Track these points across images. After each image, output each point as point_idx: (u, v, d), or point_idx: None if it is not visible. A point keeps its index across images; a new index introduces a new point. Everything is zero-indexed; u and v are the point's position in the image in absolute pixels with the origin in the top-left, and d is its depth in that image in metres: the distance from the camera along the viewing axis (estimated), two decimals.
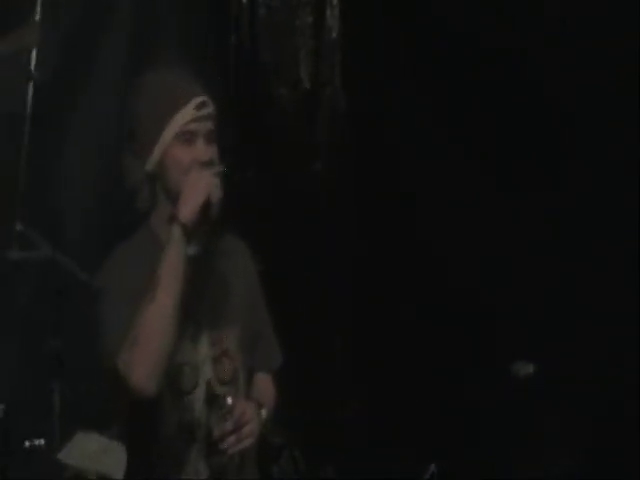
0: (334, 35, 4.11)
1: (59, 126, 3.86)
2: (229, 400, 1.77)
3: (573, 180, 3.34)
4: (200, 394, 1.81)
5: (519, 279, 3.40)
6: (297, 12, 4.13)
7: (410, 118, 3.76)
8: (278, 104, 4.15)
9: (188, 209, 1.71)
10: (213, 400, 1.80)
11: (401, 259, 3.69)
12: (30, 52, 3.54)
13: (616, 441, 3.09)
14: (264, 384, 1.98)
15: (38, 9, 3.54)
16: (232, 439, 1.74)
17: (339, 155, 4.05)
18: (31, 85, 3.53)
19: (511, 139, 3.49)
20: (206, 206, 1.72)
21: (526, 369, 2.99)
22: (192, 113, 1.77)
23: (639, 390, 3.06)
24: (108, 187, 3.55)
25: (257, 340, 1.95)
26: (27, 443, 2.97)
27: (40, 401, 3.08)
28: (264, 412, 1.84)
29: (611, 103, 3.24)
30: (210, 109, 1.81)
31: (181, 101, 1.78)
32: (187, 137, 1.78)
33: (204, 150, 1.79)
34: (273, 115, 4.14)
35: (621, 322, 3.14)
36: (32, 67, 3.55)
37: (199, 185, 1.73)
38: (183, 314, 1.70)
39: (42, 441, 2.98)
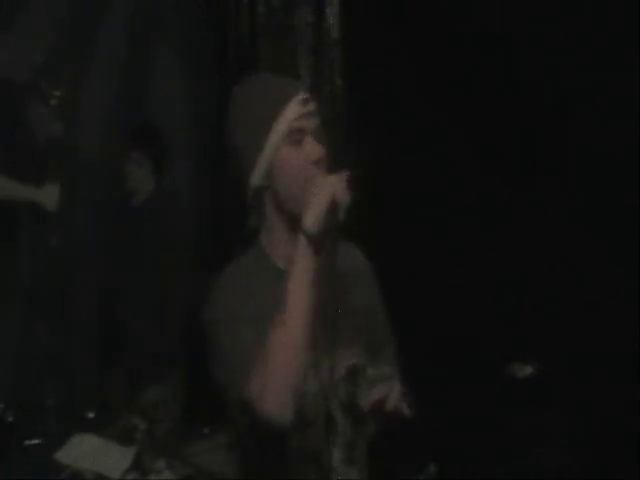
0: (334, 34, 4.09)
1: None
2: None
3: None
4: (323, 423, 1.69)
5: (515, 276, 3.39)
6: (296, 10, 4.11)
7: (411, 115, 3.73)
8: None
9: (312, 215, 1.55)
10: (334, 429, 1.69)
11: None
12: None
13: (616, 440, 3.07)
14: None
15: None
16: None
17: (339, 154, 4.03)
18: None
19: (512, 137, 3.46)
20: (332, 211, 1.55)
21: (524, 370, 2.96)
22: (298, 110, 1.64)
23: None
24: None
25: (379, 353, 1.81)
26: (25, 443, 2.95)
27: (38, 401, 3.07)
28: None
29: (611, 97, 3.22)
30: (314, 105, 1.68)
31: (285, 99, 1.65)
32: (295, 137, 1.64)
33: (314, 148, 1.65)
34: None
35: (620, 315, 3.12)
36: None
37: (322, 188, 1.56)
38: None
39: (39, 441, 2.96)
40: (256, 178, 1.65)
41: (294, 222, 1.61)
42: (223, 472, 3.01)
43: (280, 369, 1.51)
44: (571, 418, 3.07)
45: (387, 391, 1.63)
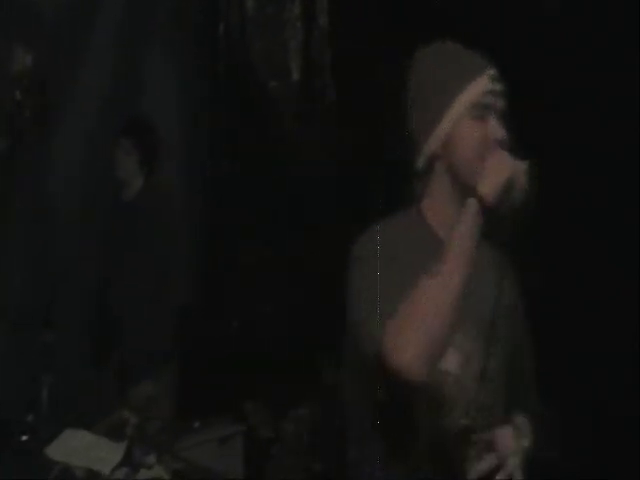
0: (323, 26, 4.08)
1: None
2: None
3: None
4: (458, 415, 1.61)
5: None
6: (286, 3, 4.11)
7: (400, 106, 3.70)
8: (269, 96, 4.13)
9: (489, 184, 1.52)
10: (467, 428, 1.61)
11: None
12: None
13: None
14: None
15: None
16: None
17: (329, 144, 4.03)
18: None
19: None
20: (508, 188, 1.53)
21: None
22: (487, 85, 1.63)
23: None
24: None
25: (515, 368, 1.73)
26: (16, 439, 2.94)
27: (29, 397, 3.06)
28: (525, 441, 1.62)
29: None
30: (502, 85, 1.65)
31: (474, 71, 1.64)
32: (479, 112, 1.63)
33: (498, 128, 1.62)
34: (264, 107, 4.11)
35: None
36: None
37: (505, 164, 1.55)
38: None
39: (29, 437, 2.95)
40: (433, 144, 1.65)
41: (464, 195, 1.58)
42: (213, 467, 3.04)
43: (424, 321, 1.43)
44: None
45: (497, 463, 1.55)
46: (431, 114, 1.64)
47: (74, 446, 2.87)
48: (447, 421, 1.60)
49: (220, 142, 4.33)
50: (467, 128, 1.62)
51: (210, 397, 3.43)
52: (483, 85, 1.61)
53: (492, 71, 1.64)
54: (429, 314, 1.43)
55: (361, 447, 1.69)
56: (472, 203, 1.51)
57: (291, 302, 4.07)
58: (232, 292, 4.09)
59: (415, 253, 1.57)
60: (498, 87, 1.64)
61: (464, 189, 1.60)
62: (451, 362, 1.58)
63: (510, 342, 1.71)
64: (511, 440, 1.59)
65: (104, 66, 4.09)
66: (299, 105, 4.17)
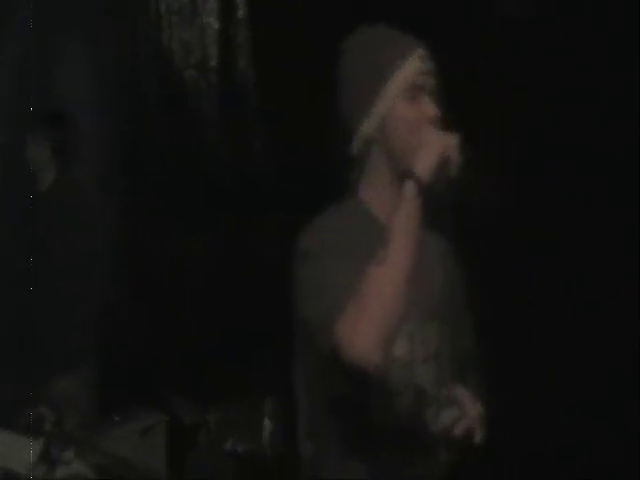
0: (241, 14, 4.07)
1: None
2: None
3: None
4: (409, 397, 1.65)
5: None
6: None
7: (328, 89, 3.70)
8: (186, 85, 4.11)
9: (424, 164, 1.54)
10: (419, 407, 1.64)
11: None
12: None
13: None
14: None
15: None
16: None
17: (249, 134, 4.03)
18: None
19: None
20: (443, 165, 1.55)
21: None
22: (418, 65, 1.65)
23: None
24: None
25: (459, 347, 1.77)
26: None
27: None
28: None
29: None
30: (433, 65, 1.68)
31: (405, 52, 1.65)
32: (413, 92, 1.64)
33: (431, 107, 1.64)
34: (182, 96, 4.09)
35: None
36: None
37: (437, 141, 1.57)
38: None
39: None
40: (368, 127, 1.64)
41: (401, 176, 1.59)
42: (135, 458, 3.03)
43: (377, 308, 1.45)
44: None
45: (459, 414, 1.59)
46: (364, 97, 1.64)
47: None
48: (400, 405, 1.63)
49: (140, 130, 4.28)
50: (401, 109, 1.63)
51: (130, 390, 3.43)
52: (415, 66, 1.63)
53: (423, 51, 1.65)
54: (380, 302, 1.45)
55: (316, 440, 1.70)
56: (410, 186, 1.52)
57: (217, 293, 4.06)
58: (155, 284, 4.07)
59: (359, 241, 1.58)
60: (429, 67, 1.66)
61: (401, 171, 1.60)
62: (401, 347, 1.62)
63: (454, 323, 1.75)
64: (468, 396, 1.65)
65: (16, 54, 4.02)
66: (219, 90, 4.16)
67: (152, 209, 4.14)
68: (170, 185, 4.09)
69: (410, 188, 1.52)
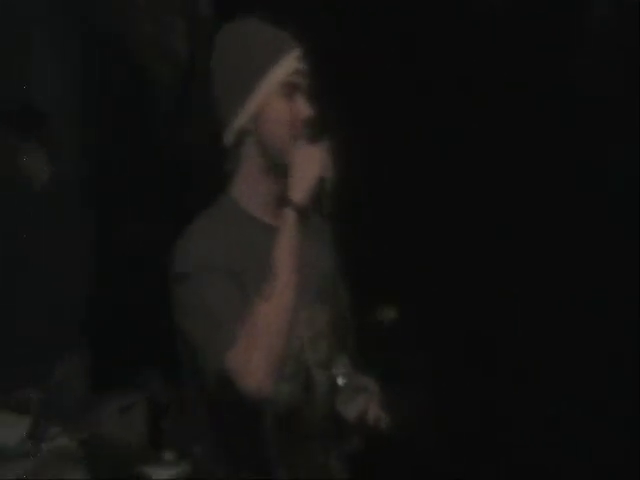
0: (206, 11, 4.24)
1: None
2: (341, 381, 1.65)
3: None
4: (300, 380, 1.66)
5: None
6: None
7: None
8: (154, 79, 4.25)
9: (301, 189, 1.56)
10: (312, 386, 1.66)
11: None
12: None
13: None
14: None
15: None
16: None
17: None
18: None
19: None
20: (319, 186, 1.57)
21: (389, 314, 3.23)
22: (294, 65, 1.65)
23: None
24: None
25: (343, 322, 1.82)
26: None
27: None
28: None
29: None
30: (307, 65, 1.68)
31: (281, 51, 1.64)
32: (288, 90, 1.63)
33: (305, 106, 1.65)
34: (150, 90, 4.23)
35: None
36: None
37: (310, 163, 1.58)
38: None
39: None
40: (242, 119, 1.63)
41: (274, 170, 1.64)
42: (117, 435, 3.26)
43: (268, 344, 1.46)
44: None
45: (366, 403, 1.64)
46: (239, 90, 1.63)
47: None
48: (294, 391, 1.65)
49: (109, 127, 4.41)
50: (276, 105, 1.63)
51: (115, 369, 3.61)
52: (291, 64, 1.64)
53: (299, 51, 1.67)
54: (270, 335, 1.47)
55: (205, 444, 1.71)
56: (289, 213, 1.55)
57: None
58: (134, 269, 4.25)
59: (240, 247, 1.60)
60: (305, 66, 1.67)
61: (275, 167, 1.65)
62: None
63: (337, 303, 1.81)
64: (373, 383, 1.72)
65: None
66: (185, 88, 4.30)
67: (122, 200, 4.27)
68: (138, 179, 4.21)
69: (289, 215, 1.55)
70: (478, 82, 3.43)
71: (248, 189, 1.67)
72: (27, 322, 3.69)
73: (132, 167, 3.97)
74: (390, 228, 3.40)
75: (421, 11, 3.51)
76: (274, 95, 1.63)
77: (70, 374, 3.64)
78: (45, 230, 3.76)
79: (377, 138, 3.40)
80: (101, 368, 3.78)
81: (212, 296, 1.51)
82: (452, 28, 3.45)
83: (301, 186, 1.56)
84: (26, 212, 3.82)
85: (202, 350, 1.51)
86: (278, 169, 1.63)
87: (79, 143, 4.20)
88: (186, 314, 1.55)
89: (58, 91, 4.21)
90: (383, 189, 3.38)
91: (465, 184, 3.45)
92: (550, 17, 3.39)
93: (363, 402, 1.63)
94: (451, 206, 3.44)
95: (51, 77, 4.22)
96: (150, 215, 4.07)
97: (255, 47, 1.64)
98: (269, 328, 1.46)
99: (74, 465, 3.01)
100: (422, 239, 3.40)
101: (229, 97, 1.65)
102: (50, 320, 3.68)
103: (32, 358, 3.61)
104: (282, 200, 1.58)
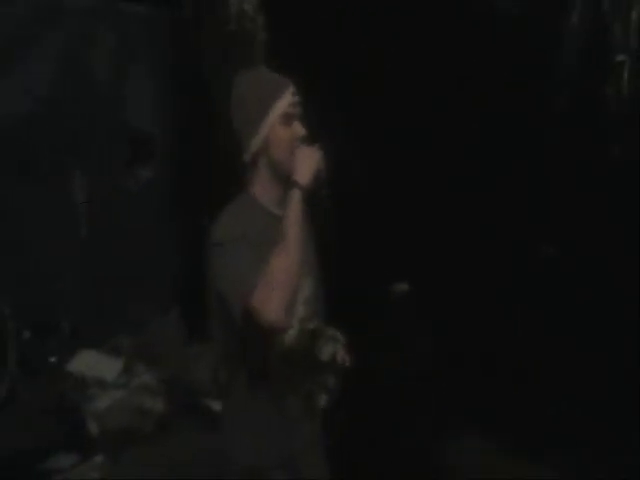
0: None
1: None
2: (317, 331, 2.13)
3: None
4: (294, 331, 2.12)
5: None
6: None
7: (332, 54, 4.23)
8: None
9: (306, 175, 2.06)
10: (304, 335, 2.12)
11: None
12: None
13: None
14: None
15: None
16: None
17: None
18: None
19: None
20: (317, 173, 2.09)
21: (401, 287, 3.95)
22: (291, 99, 2.14)
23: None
24: None
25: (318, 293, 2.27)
26: (47, 360, 4.05)
27: (55, 329, 4.15)
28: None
29: None
30: (299, 98, 2.16)
31: (280, 90, 2.13)
32: (286, 119, 2.13)
33: (300, 128, 2.15)
34: None
35: None
36: None
37: (312, 158, 2.09)
38: None
39: (54, 359, 4.07)
40: (255, 144, 2.14)
41: (281, 178, 2.13)
42: (195, 375, 4.06)
43: (282, 286, 1.91)
44: None
45: (336, 346, 2.13)
46: (251, 121, 2.13)
47: (86, 362, 3.98)
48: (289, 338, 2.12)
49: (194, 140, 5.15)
50: (279, 132, 2.14)
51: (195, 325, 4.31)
52: (288, 100, 2.14)
53: (292, 88, 2.17)
54: (285, 281, 1.93)
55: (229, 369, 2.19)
56: (295, 193, 2.05)
57: None
58: None
59: (257, 228, 2.06)
60: (297, 99, 2.17)
61: (282, 176, 2.15)
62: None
63: (317, 277, 2.30)
64: (339, 334, 2.18)
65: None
66: None
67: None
68: None
69: (295, 194, 2.05)
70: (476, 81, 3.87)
71: (262, 189, 2.19)
72: (136, 288, 4.58)
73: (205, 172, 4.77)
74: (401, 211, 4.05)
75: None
76: (276, 124, 2.13)
77: (161, 327, 4.49)
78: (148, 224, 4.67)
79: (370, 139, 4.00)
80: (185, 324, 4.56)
81: (237, 258, 1.99)
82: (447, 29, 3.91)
83: (304, 173, 2.09)
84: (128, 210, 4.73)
85: (230, 299, 1.97)
86: (282, 176, 2.15)
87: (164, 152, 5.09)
88: (219, 274, 2.02)
89: (151, 114, 5.09)
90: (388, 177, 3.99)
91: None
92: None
93: (332, 348, 2.13)
94: (459, 190, 3.95)
95: (146, 103, 5.10)
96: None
97: (260, 89, 2.14)
98: (282, 276, 1.93)
99: (155, 396, 3.88)
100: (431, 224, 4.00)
101: (245, 128, 2.16)
102: (151, 287, 4.56)
103: (136, 313, 4.49)
104: (290, 184, 2.08)
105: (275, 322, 1.90)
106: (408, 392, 3.86)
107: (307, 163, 2.09)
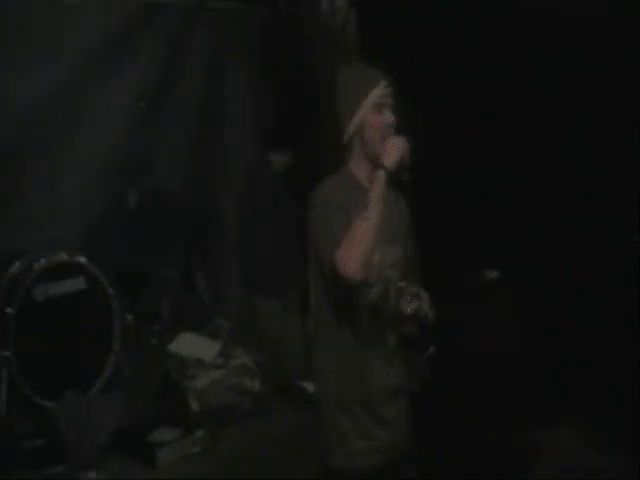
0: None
1: None
2: (405, 290, 2.41)
3: None
4: (380, 288, 2.42)
5: None
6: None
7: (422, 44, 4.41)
8: None
9: (391, 160, 2.34)
10: (387, 292, 2.42)
11: None
12: None
13: None
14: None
15: None
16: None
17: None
18: None
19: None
20: (402, 160, 2.36)
21: (492, 274, 4.04)
22: (383, 90, 2.45)
23: None
24: None
25: (412, 259, 2.59)
26: (149, 342, 4.27)
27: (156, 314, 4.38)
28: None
29: None
30: (391, 89, 2.46)
31: (374, 82, 2.45)
32: (379, 107, 2.44)
33: (391, 117, 2.45)
34: None
35: None
36: None
37: (399, 144, 2.36)
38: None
39: (157, 341, 4.28)
40: (352, 128, 2.46)
41: (372, 158, 2.41)
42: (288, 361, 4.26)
43: (361, 246, 2.24)
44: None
45: (419, 302, 2.41)
46: (351, 107, 2.46)
47: (186, 343, 4.18)
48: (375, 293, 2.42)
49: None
50: (372, 118, 2.45)
51: None
52: (381, 91, 2.45)
53: (386, 81, 2.48)
54: (364, 242, 2.25)
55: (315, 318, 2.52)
56: (380, 173, 2.35)
57: None
58: None
59: (349, 197, 2.39)
60: (390, 90, 2.48)
61: (372, 156, 2.43)
62: (376, 258, 2.40)
63: (408, 244, 2.59)
64: (424, 292, 2.46)
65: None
66: None
67: None
68: None
69: (380, 175, 2.35)
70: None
71: (356, 166, 2.51)
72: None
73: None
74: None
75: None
76: (370, 111, 2.45)
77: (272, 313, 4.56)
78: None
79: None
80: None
81: (330, 220, 2.34)
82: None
83: (390, 156, 2.37)
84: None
85: (322, 251, 2.34)
86: (373, 156, 2.45)
87: None
88: (315, 231, 2.39)
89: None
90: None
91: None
92: None
93: (416, 303, 2.42)
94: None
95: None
96: None
97: (359, 81, 2.49)
98: (364, 238, 2.27)
99: (253, 377, 4.04)
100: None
101: (345, 113, 2.48)
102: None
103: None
104: (376, 164, 2.39)
105: (351, 273, 2.23)
106: (497, 378, 3.92)
107: (394, 149, 2.37)
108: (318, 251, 2.36)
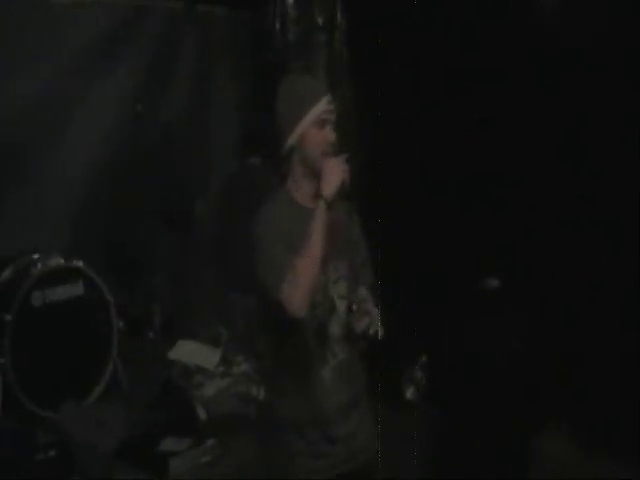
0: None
1: None
2: (354, 307, 2.31)
3: None
4: (326, 306, 2.37)
5: None
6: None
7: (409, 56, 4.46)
8: None
9: (330, 190, 2.27)
10: (334, 309, 2.36)
11: None
12: None
13: None
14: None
15: None
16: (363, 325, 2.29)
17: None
18: None
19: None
20: (341, 185, 2.28)
21: (492, 283, 4.05)
22: (325, 106, 2.36)
23: None
24: None
25: (362, 268, 2.51)
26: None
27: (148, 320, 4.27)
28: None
29: None
30: (333, 105, 2.38)
31: (318, 96, 2.37)
32: (320, 123, 2.35)
33: (331, 134, 2.37)
34: None
35: None
36: None
37: (336, 171, 2.28)
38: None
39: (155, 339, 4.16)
40: (291, 141, 2.36)
41: (311, 174, 2.34)
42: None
43: (305, 283, 2.20)
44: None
45: (369, 319, 2.29)
46: (291, 121, 2.36)
47: (187, 350, 4.09)
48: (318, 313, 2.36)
49: None
50: (313, 133, 2.35)
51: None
52: (323, 106, 2.36)
53: (328, 96, 2.40)
54: (307, 279, 2.20)
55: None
56: (321, 204, 2.26)
57: None
58: None
59: (290, 222, 2.31)
60: (331, 107, 2.39)
61: (310, 172, 2.36)
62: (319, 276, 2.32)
63: (357, 253, 2.52)
64: (372, 305, 2.35)
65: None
66: None
67: None
68: None
69: (321, 205, 2.26)
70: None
71: (295, 185, 2.41)
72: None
73: None
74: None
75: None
76: (312, 126, 2.36)
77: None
78: None
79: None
80: None
81: (270, 252, 2.26)
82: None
83: (329, 185, 2.29)
84: None
85: (267, 285, 2.24)
86: (313, 173, 2.36)
87: None
88: (257, 261, 2.29)
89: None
90: None
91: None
92: None
93: (367, 321, 2.29)
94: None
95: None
96: None
97: (302, 94, 2.39)
98: (307, 274, 2.21)
99: (258, 385, 3.97)
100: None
101: (285, 126, 2.38)
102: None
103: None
104: (317, 195, 2.30)
105: (297, 312, 2.19)
106: (500, 386, 3.93)
107: (333, 176, 2.29)
108: (262, 281, 2.28)
